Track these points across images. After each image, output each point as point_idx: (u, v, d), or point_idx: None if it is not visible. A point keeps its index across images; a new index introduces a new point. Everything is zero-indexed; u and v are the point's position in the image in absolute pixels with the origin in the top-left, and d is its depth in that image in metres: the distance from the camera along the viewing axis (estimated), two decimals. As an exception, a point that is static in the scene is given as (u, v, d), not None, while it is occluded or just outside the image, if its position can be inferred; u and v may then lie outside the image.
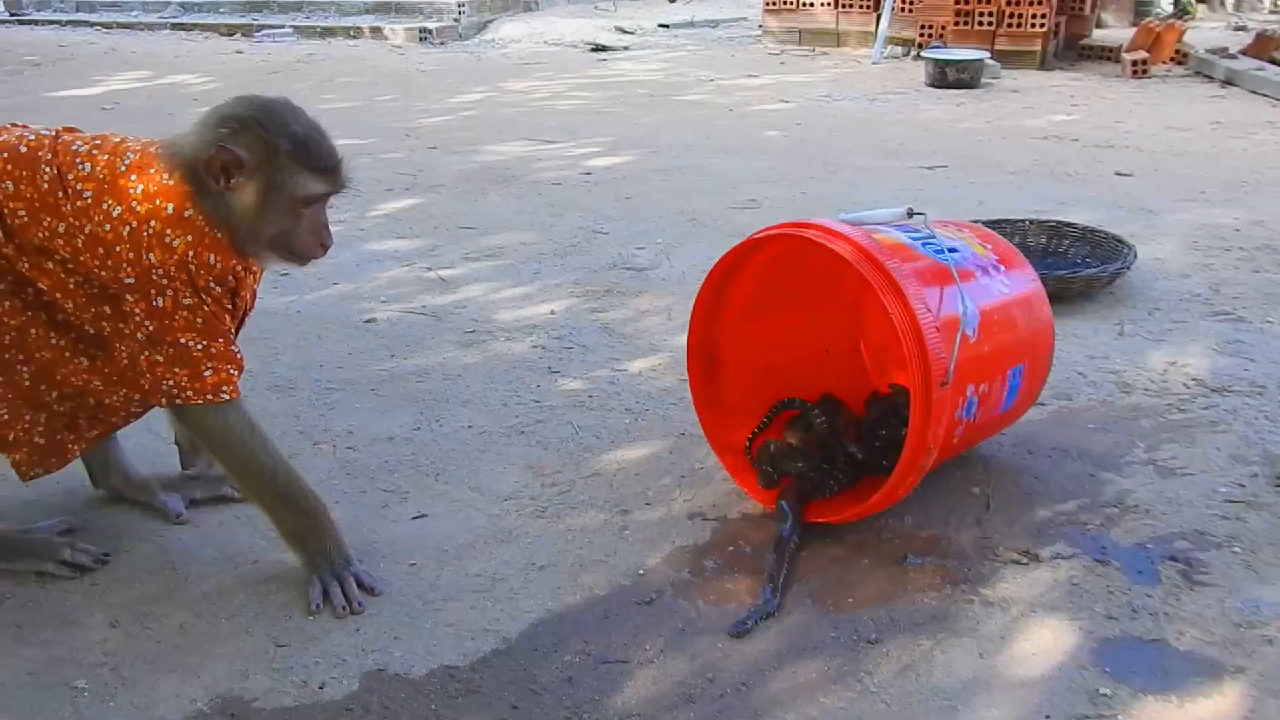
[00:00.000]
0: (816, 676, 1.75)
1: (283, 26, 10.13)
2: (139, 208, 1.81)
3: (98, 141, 1.91)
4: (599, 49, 9.74)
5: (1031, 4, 8.57)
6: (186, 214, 1.81)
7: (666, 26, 11.18)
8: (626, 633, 1.88)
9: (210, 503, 2.29)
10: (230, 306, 1.92)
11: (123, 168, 1.84)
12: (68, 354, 1.97)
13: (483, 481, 2.38)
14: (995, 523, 2.18)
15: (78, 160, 1.86)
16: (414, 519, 2.24)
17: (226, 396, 1.89)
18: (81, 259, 1.85)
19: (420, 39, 9.70)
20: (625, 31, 10.63)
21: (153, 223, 1.80)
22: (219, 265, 1.84)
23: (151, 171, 1.83)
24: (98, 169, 1.85)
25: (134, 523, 2.23)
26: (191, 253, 1.81)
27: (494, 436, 2.58)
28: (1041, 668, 1.76)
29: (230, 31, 10.24)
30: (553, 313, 3.35)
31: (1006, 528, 2.16)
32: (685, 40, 10.55)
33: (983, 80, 7.94)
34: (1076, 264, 3.56)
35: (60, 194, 1.84)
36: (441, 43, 9.71)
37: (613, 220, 4.34)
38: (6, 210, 1.85)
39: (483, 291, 3.55)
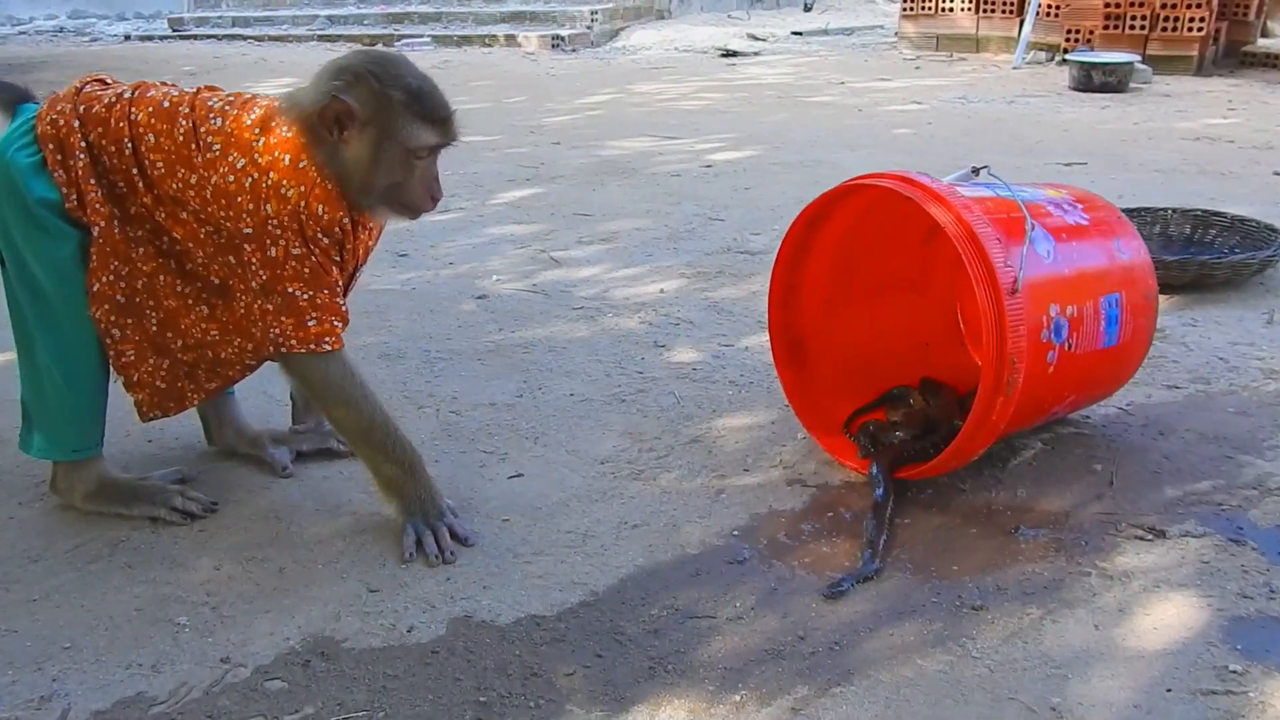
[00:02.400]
0: (914, 639, 1.66)
1: (421, 36, 10.44)
2: (260, 160, 1.85)
3: (231, 98, 1.98)
4: (729, 54, 9.72)
5: (1189, 7, 8.16)
6: (300, 165, 1.84)
7: (799, 34, 11.08)
8: (716, 590, 1.82)
9: (317, 456, 2.33)
10: (338, 259, 1.94)
11: (248, 122, 1.90)
12: (190, 302, 2.05)
13: (580, 445, 2.36)
14: (1119, 500, 2.04)
15: (211, 115, 1.93)
16: (510, 478, 2.23)
17: (329, 347, 1.92)
18: (210, 210, 1.91)
19: (553, 46, 9.86)
20: (757, 38, 10.58)
21: (271, 174, 1.84)
22: (326, 216, 1.87)
23: (273, 125, 1.87)
24: (227, 124, 1.91)
25: (242, 477, 2.28)
26: (303, 203, 1.84)
27: (595, 404, 2.56)
28: (1163, 642, 1.62)
29: (372, 42, 10.59)
30: (662, 292, 3.32)
31: (1130, 505, 2.02)
32: (818, 47, 10.43)
33: (1131, 85, 7.59)
34: (1223, 252, 3.33)
35: (194, 146, 1.91)
36: (574, 50, 9.85)
37: (730, 209, 4.29)
38: (147, 161, 1.93)
39: (594, 272, 3.54)
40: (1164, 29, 8.27)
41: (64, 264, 1.97)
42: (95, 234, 1.96)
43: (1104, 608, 1.72)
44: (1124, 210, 3.56)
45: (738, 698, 1.56)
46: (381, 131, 1.82)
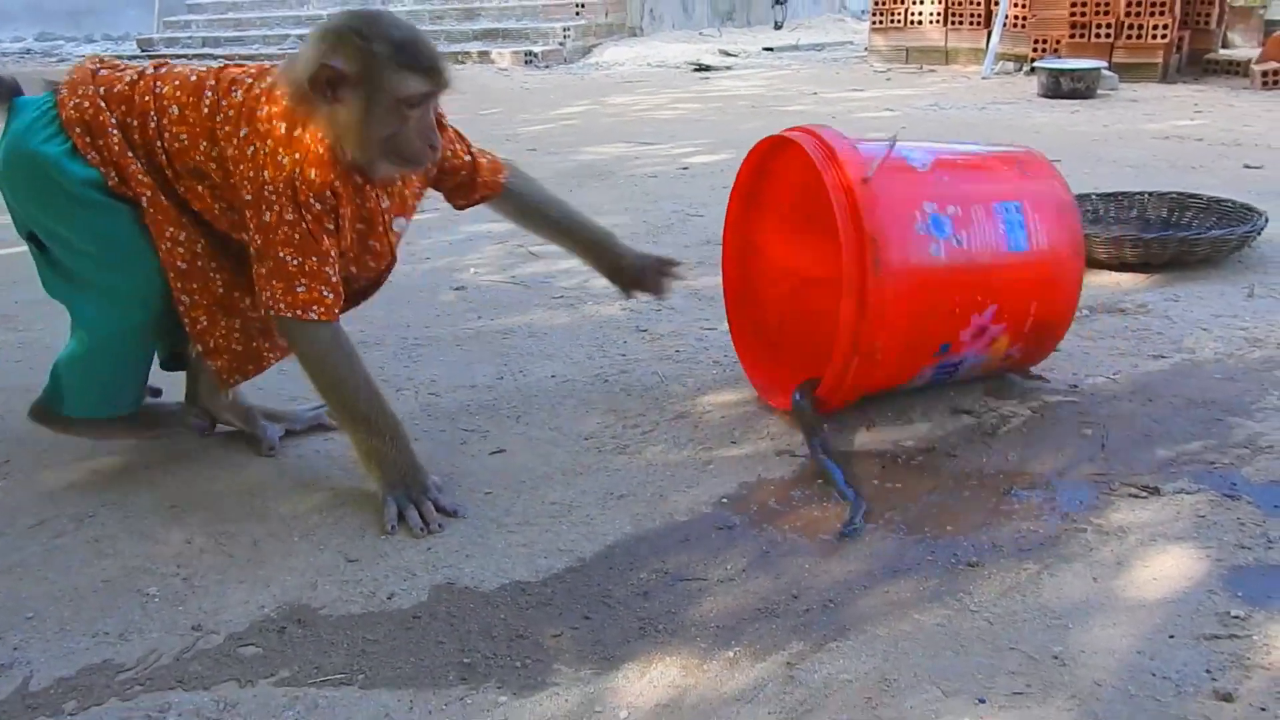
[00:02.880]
0: (910, 595, 1.62)
1: (394, 54, 10.42)
2: (262, 128, 1.87)
3: (253, 70, 1.98)
4: (702, 69, 9.75)
5: (1153, 15, 8.27)
6: (296, 133, 1.85)
7: (771, 50, 11.15)
8: (706, 554, 1.78)
9: (307, 433, 2.28)
10: (331, 227, 1.90)
11: (257, 92, 1.91)
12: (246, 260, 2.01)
13: (563, 423, 2.31)
14: (1111, 461, 2.01)
15: (233, 88, 1.93)
16: (492, 454, 2.18)
17: (315, 316, 1.89)
18: (231, 181, 1.91)
19: (526, 62, 9.86)
20: (729, 54, 10.63)
21: (269, 142, 1.86)
22: (318, 180, 1.85)
23: (277, 94, 1.88)
24: (242, 94, 1.91)
25: (216, 456, 2.22)
26: (297, 170, 1.85)
27: (577, 384, 2.51)
28: (1163, 591, 1.59)
29: (344, 60, 10.59)
30: (644, 281, 3.28)
31: (1123, 466, 1.99)
32: (789, 61, 10.50)
33: (1099, 91, 7.67)
34: (1202, 230, 3.33)
35: (217, 119, 1.91)
36: (547, 66, 9.86)
37: (708, 205, 4.27)
38: (168, 134, 1.93)
39: (573, 264, 3.45)
40: (1129, 37, 8.38)
41: (120, 235, 1.96)
42: (144, 205, 1.95)
43: (1101, 561, 1.68)
44: (1099, 195, 3.60)
45: (731, 654, 1.51)
46: (371, 86, 1.81)
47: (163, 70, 2.00)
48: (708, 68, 9.79)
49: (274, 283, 1.88)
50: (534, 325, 2.92)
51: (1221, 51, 9.13)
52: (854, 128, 6.32)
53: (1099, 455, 2.04)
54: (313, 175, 1.85)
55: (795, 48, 11.41)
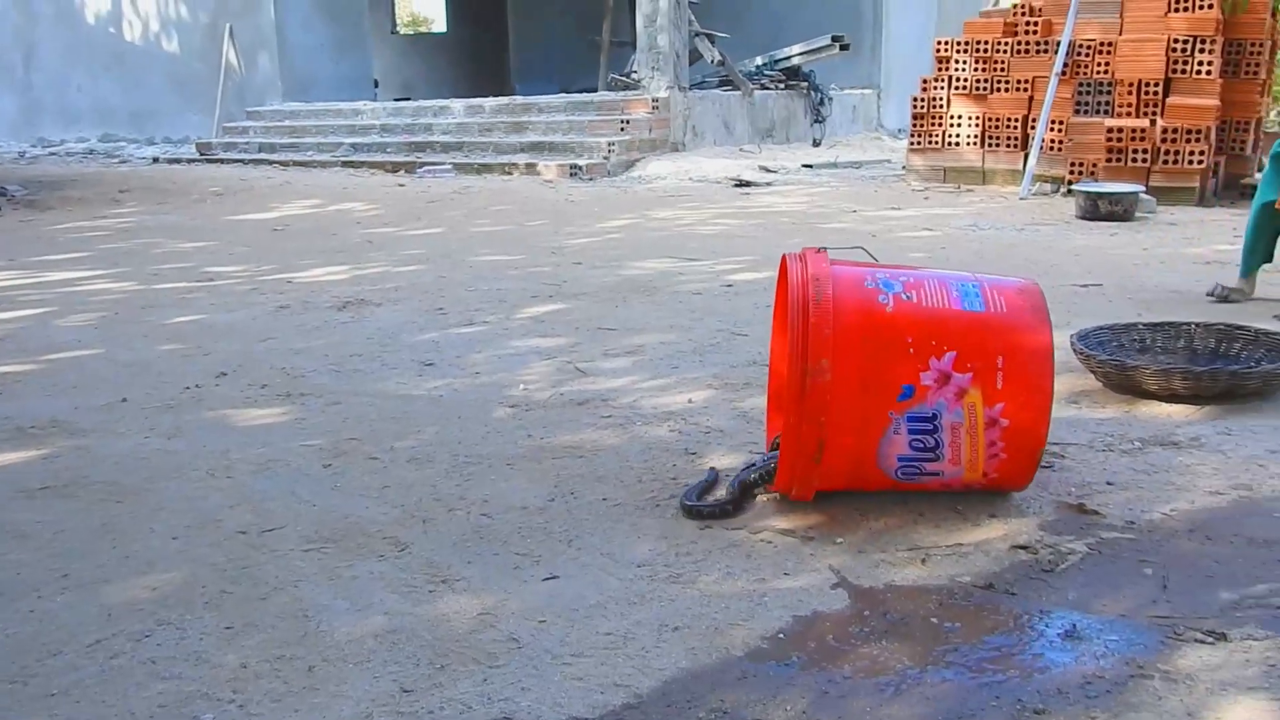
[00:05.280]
0: (976, 744, 1.60)
1: (442, 163, 10.72)
2: None
3: None
4: (743, 184, 9.95)
5: (1189, 141, 8.39)
6: None
7: (810, 166, 11.36)
8: (765, 693, 1.76)
9: (362, 554, 2.29)
10: None
11: None
12: None
13: (616, 549, 2.32)
14: (1174, 603, 1.98)
15: None
16: (545, 580, 2.19)
17: None
18: None
19: (571, 175, 10.11)
20: (769, 170, 10.85)
21: None
22: None
23: None
24: None
25: (267, 573, 2.23)
26: None
27: (628, 509, 2.52)
28: (1237, 748, 1.56)
29: (394, 168, 10.91)
30: (690, 402, 3.31)
31: (1186, 608, 1.96)
32: (828, 178, 10.68)
33: (1137, 214, 7.74)
34: (1254, 363, 3.32)
35: None
36: (591, 179, 10.10)
37: (753, 324, 4.32)
38: None
39: (621, 383, 3.54)
40: (1166, 162, 8.48)
41: None
42: None
43: (1171, 712, 1.65)
44: (1146, 324, 3.61)
45: (793, 802, 1.49)
46: None
47: None
48: (748, 183, 9.99)
49: None
50: (583, 446, 2.95)
51: (1256, 176, 9.20)
52: (894, 246, 6.41)
53: (1161, 596, 2.01)
54: None
55: (834, 165, 11.62)
